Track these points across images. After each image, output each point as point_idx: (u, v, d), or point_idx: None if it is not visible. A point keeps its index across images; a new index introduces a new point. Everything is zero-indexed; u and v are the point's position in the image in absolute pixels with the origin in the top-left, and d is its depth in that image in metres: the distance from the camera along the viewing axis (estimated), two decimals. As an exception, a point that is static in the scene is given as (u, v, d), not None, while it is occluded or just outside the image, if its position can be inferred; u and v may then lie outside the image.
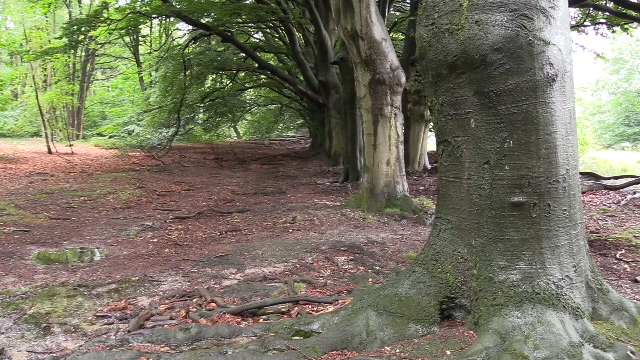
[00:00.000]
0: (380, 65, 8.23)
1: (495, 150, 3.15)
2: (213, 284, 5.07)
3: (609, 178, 11.29)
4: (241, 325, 3.79)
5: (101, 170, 16.03)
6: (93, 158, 20.07)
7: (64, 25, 15.73)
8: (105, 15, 16.39)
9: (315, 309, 4.11)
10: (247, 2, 20.30)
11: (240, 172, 16.91)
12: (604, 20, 12.96)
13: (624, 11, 11.85)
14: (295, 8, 20.14)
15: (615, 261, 5.72)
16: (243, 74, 25.29)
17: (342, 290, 4.52)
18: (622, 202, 9.27)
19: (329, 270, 5.28)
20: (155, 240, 7.15)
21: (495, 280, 3.15)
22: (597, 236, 6.90)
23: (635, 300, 3.97)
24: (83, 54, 30.12)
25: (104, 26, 16.22)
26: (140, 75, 30.00)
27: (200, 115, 29.36)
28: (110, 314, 4.40)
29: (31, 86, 22.18)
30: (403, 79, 8.41)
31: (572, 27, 13.18)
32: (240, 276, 5.27)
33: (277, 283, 4.83)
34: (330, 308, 4.00)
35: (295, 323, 3.58)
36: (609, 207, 9.10)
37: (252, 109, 32.54)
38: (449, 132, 3.39)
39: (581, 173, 12.25)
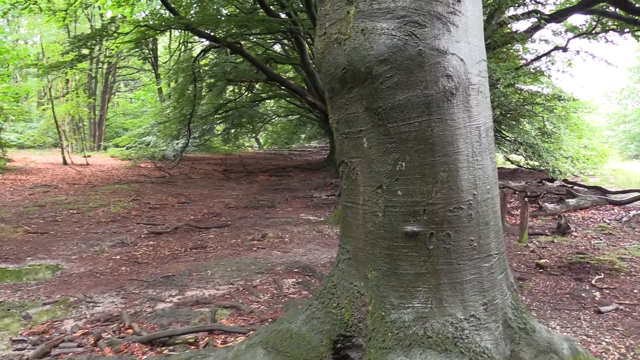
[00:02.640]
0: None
1: (387, 173, 2.81)
2: (147, 307, 4.85)
3: (616, 192, 10.62)
4: (138, 357, 3.54)
5: (106, 181, 16.12)
6: (105, 169, 20.28)
7: (71, 40, 15.95)
8: (113, 29, 16.57)
9: (227, 339, 3.82)
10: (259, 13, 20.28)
11: (245, 184, 16.75)
12: (614, 27, 12.31)
13: (635, 17, 11.22)
14: (306, 19, 20.00)
15: (589, 288, 5.23)
16: (259, 85, 25.26)
17: (268, 319, 4.21)
18: (624, 219, 8.65)
19: (269, 295, 4.98)
20: (118, 257, 6.98)
21: (387, 319, 2.80)
22: (581, 257, 6.39)
23: (574, 339, 3.53)
24: (105, 66, 30.74)
25: (112, 40, 16.39)
26: (159, 86, 30.39)
27: (219, 127, 29.50)
28: (27, 339, 4.21)
29: (48, 99, 22.66)
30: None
31: (582, 35, 12.56)
32: (178, 299, 5.03)
33: (206, 308, 4.56)
34: (241, 339, 3.71)
35: (192, 356, 3.30)
36: (609, 224, 8.50)
37: (273, 120, 32.50)
38: (345, 153, 3.07)
39: (587, 187, 11.60)
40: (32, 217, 9.86)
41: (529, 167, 18.16)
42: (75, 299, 5.14)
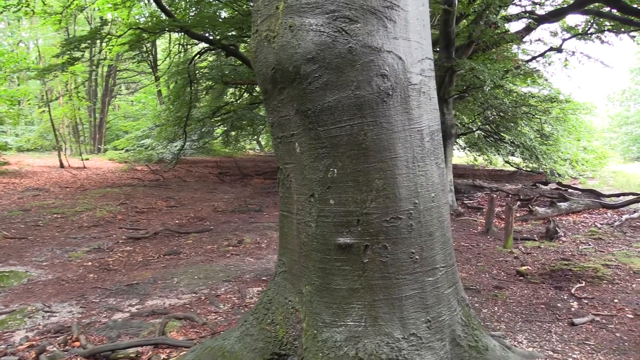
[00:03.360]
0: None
1: (319, 181, 2.61)
2: (103, 317, 4.67)
3: (611, 195, 10.34)
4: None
5: (99, 185, 16.01)
6: (101, 173, 20.19)
7: (62, 42, 15.85)
8: (106, 32, 16.47)
9: (172, 353, 3.63)
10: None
11: (238, 187, 16.58)
12: (610, 28, 12.04)
13: (631, 18, 10.95)
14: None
15: (567, 297, 4.99)
16: (259, 87, 25.08)
17: (221, 331, 4.02)
18: (616, 223, 8.39)
19: (230, 305, 4.78)
20: (90, 263, 6.81)
21: (318, 338, 2.60)
22: (565, 264, 6.15)
23: (538, 355, 3.31)
24: (105, 69, 30.70)
25: (106, 43, 16.28)
26: (158, 89, 30.34)
27: (219, 130, 29.36)
28: (-29, 352, 4.03)
29: (45, 101, 22.62)
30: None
31: (578, 35, 12.29)
32: (137, 309, 4.85)
33: (159, 319, 4.36)
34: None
35: (127, 375, 3.11)
36: (599, 228, 8.24)
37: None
38: (280, 158, 2.87)
39: (581, 190, 11.32)
40: (14, 221, 9.72)
41: (528, 169, 17.89)
42: (33, 308, 4.97)
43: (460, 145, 21.25)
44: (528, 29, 10.81)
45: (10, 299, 5.31)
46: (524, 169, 18.17)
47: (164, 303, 4.95)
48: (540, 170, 15.90)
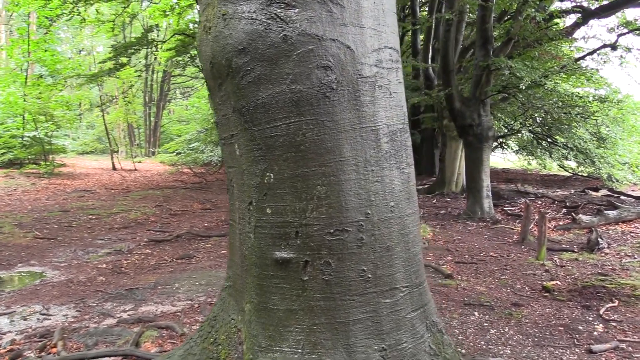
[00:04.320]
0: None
1: (257, 187, 2.33)
2: (93, 322, 4.59)
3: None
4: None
5: (143, 187, 16.39)
6: (149, 175, 20.73)
7: (110, 49, 16.34)
8: (152, 38, 16.84)
9: (139, 368, 3.45)
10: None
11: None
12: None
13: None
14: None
15: (593, 318, 4.44)
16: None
17: (197, 344, 3.80)
18: (671, 236, 7.56)
19: (220, 315, 4.57)
20: (104, 266, 6.83)
21: (253, 364, 2.32)
22: (601, 280, 5.54)
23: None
24: (160, 74, 31.63)
25: (152, 49, 16.64)
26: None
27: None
28: (-44, 355, 4.03)
29: (98, 106, 23.50)
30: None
31: (636, 31, 11.31)
32: (129, 314, 4.75)
33: (146, 327, 4.21)
34: (148, 370, 3.32)
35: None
36: (651, 241, 7.45)
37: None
38: (225, 161, 2.61)
39: (635, 197, 10.37)
40: (50, 222, 10.01)
41: (584, 174, 16.77)
42: (32, 310, 4.99)
43: (512, 149, 20.29)
44: (577, 25, 10.04)
45: (15, 299, 5.35)
46: (580, 174, 17.04)
47: (156, 310, 4.82)
48: (597, 175, 14.83)
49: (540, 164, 19.17)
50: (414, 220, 2.54)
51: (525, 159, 20.22)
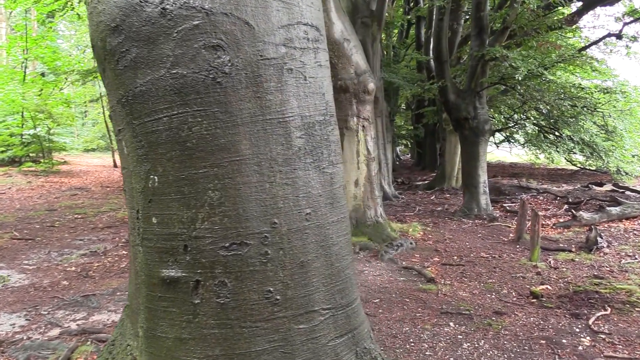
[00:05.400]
0: (343, 70, 6.97)
1: (142, 192, 1.96)
2: (37, 333, 4.27)
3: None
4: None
5: (139, 184, 16.13)
6: (148, 171, 20.49)
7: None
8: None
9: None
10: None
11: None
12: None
13: None
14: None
15: (580, 329, 4.02)
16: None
17: None
18: (677, 234, 7.07)
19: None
20: (73, 269, 6.52)
21: (138, 402, 1.95)
22: (596, 284, 5.12)
23: None
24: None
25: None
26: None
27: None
28: None
29: (95, 101, 23.34)
30: (371, 85, 7.04)
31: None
32: (77, 324, 4.44)
33: (87, 341, 3.88)
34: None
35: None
36: (655, 240, 6.97)
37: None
38: (122, 162, 2.24)
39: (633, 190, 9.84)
40: (33, 221, 9.76)
41: (592, 168, 16.20)
42: (-21, 319, 4.67)
43: (519, 142, 19.73)
44: (578, 13, 9.52)
45: (-34, 308, 5.05)
46: (588, 167, 16.48)
47: (108, 319, 4.49)
48: (605, 168, 14.28)
49: (547, 158, 18.60)
50: (341, 230, 2.15)
51: (532, 153, 19.66)
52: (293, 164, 1.97)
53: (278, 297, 1.94)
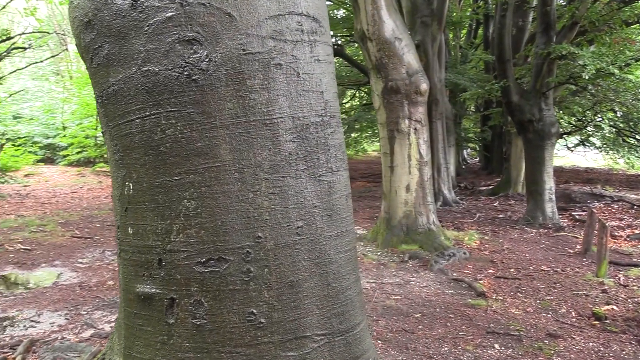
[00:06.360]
0: (394, 70, 6.66)
1: (119, 200, 1.82)
2: (72, 334, 4.33)
3: None
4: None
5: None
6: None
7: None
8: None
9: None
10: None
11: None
12: None
13: None
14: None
15: (646, 362, 3.52)
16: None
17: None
18: None
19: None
20: (122, 268, 6.65)
21: None
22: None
23: None
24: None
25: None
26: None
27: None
28: None
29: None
30: (424, 86, 6.68)
31: None
32: (112, 326, 4.43)
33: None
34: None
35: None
36: None
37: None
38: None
39: None
40: (95, 220, 10.14)
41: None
42: (24, 316, 4.83)
43: (595, 146, 18.46)
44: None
45: (14, 303, 5.24)
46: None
47: (140, 323, 4.47)
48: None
49: (627, 163, 17.27)
50: (341, 245, 1.91)
51: (610, 157, 18.32)
52: (282, 171, 1.76)
53: (262, 320, 1.73)
